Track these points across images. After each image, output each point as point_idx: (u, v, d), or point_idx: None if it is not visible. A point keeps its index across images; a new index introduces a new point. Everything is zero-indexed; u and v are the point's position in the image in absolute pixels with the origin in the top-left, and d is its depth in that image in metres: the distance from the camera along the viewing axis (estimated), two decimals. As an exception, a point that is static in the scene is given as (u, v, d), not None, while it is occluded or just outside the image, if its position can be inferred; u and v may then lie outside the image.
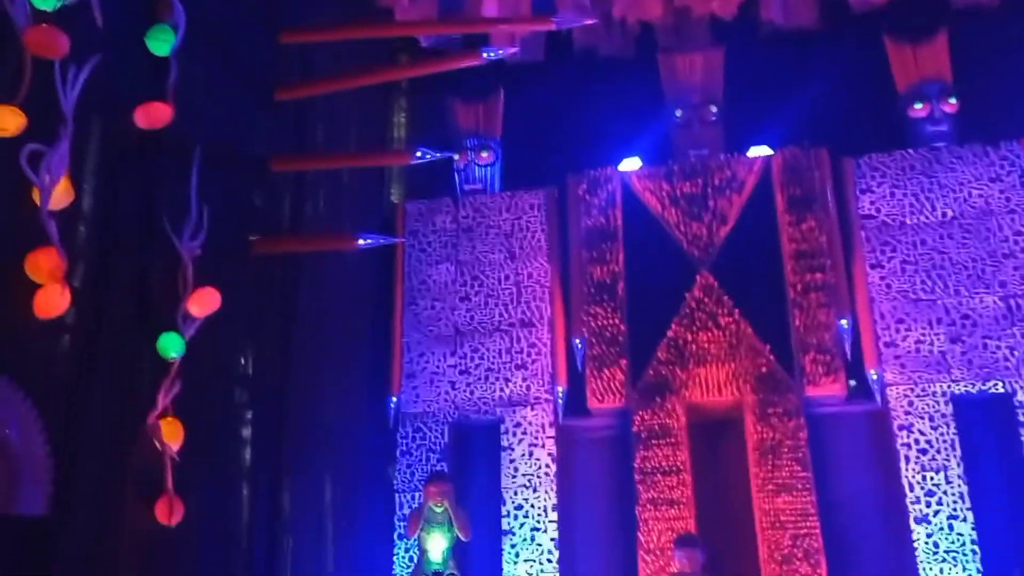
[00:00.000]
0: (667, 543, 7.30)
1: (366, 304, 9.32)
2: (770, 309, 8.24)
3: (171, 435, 5.74)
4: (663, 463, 7.92)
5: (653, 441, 8.01)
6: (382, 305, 9.24)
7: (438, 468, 8.12)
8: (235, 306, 6.83)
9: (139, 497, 5.54)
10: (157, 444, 5.61)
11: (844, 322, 8.09)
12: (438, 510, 6.18)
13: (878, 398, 7.90)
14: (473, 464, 8.54)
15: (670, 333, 8.30)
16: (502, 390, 8.58)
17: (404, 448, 8.55)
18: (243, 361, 7.35)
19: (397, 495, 8.32)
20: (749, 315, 8.21)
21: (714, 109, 9.11)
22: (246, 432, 7.25)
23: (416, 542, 6.51)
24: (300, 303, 8.02)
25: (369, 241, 7.81)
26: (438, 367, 8.77)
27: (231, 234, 7.12)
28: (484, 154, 9.70)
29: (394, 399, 8.74)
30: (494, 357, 8.69)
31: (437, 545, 6.06)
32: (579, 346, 8.58)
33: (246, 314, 7.54)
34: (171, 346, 5.90)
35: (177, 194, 6.36)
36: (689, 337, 8.28)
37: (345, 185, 9.25)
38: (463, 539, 6.32)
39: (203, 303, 6.25)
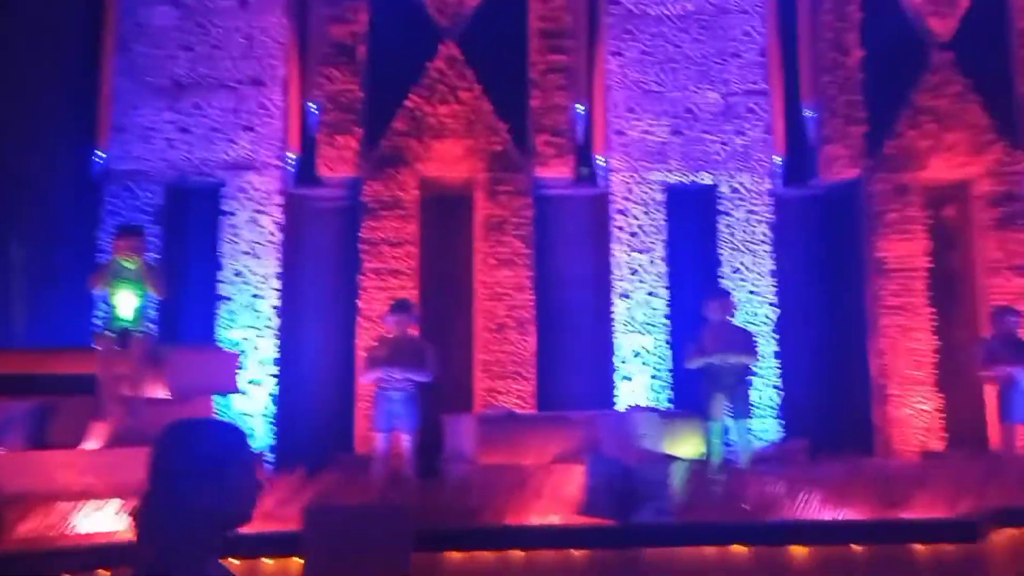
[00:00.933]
0: (387, 311, 7.36)
1: (70, 42, 8.12)
2: (510, 87, 8.14)
3: None
4: (391, 235, 7.85)
5: (383, 212, 7.88)
6: (89, 45, 8.10)
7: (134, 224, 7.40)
8: None
9: None
10: None
11: (580, 107, 8.18)
12: (129, 266, 5.69)
13: (601, 183, 8.22)
14: (190, 228, 8.02)
15: (409, 103, 8.00)
16: (226, 152, 7.96)
17: (111, 208, 7.80)
18: None
19: (101, 256, 7.67)
20: (490, 91, 8.06)
21: None
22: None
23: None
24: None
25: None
26: (153, 122, 7.94)
27: None
28: None
29: (100, 154, 7.86)
30: (219, 115, 7.99)
31: (127, 302, 5.62)
32: (313, 110, 8.08)
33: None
34: None
35: None
36: (428, 109, 8.03)
37: None
38: (158, 297, 5.94)
39: None
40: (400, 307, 6.65)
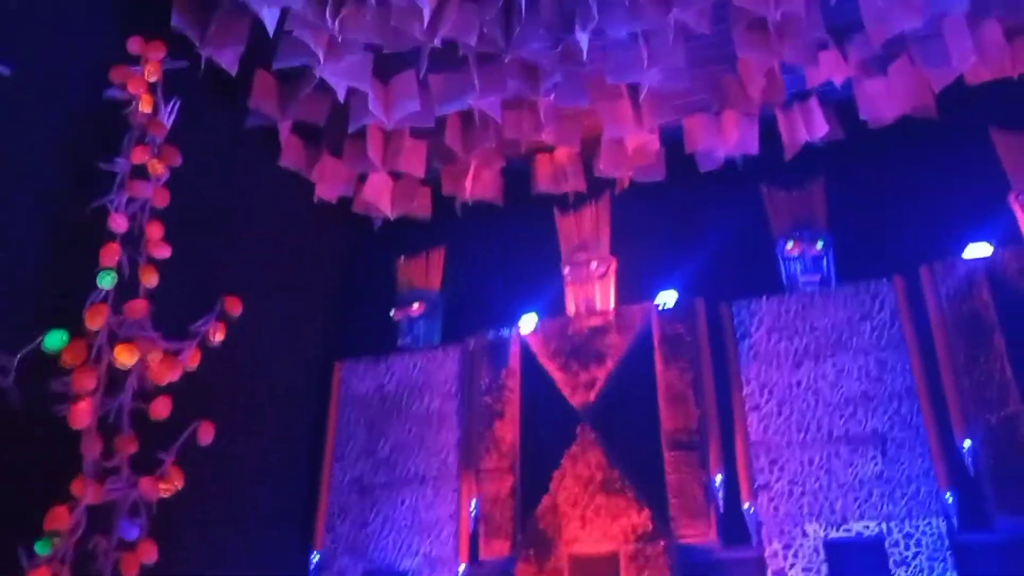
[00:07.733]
0: None
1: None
2: (646, 459, 8.50)
3: None
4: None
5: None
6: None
7: None
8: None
9: None
10: None
11: (718, 478, 8.28)
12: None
13: (753, 539, 7.98)
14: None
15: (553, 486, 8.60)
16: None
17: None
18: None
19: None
20: (625, 466, 8.49)
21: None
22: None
23: None
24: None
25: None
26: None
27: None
28: (416, 305, 10.34)
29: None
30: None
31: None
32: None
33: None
34: None
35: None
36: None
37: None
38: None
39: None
40: None
